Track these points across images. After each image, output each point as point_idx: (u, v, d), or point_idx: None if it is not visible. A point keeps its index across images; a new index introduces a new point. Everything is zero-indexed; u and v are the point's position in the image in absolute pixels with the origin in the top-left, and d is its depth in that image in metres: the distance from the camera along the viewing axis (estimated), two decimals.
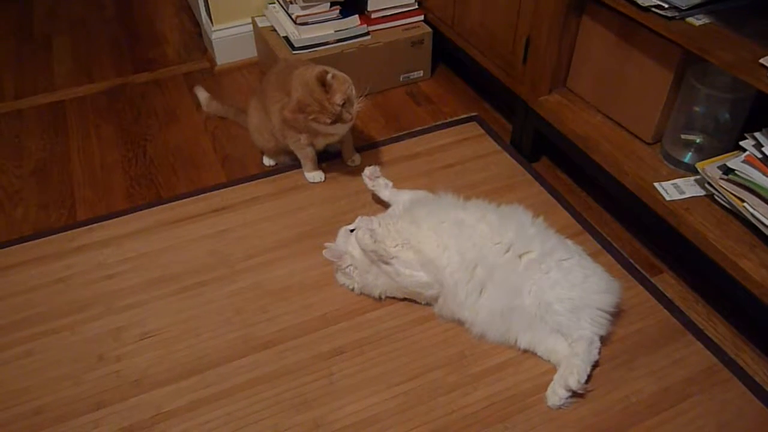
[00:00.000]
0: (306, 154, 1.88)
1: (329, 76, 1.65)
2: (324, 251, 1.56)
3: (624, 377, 1.39)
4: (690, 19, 1.44)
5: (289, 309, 1.56)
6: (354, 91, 1.71)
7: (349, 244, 1.55)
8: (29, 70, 2.54)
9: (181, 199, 1.88)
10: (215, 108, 2.18)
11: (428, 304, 1.54)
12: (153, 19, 2.87)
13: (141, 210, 1.84)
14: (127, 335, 1.51)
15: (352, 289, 1.58)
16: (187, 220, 1.81)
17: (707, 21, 1.44)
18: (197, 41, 2.68)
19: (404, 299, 1.56)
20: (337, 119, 1.70)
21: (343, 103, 1.67)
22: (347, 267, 1.55)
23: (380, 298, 1.56)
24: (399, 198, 1.72)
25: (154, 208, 1.85)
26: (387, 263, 1.49)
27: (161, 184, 1.96)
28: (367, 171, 1.78)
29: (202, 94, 2.18)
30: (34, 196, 1.94)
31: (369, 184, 1.78)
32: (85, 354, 1.47)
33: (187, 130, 2.18)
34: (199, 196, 1.89)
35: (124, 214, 1.83)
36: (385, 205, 1.78)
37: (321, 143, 1.88)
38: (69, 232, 1.78)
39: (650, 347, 1.45)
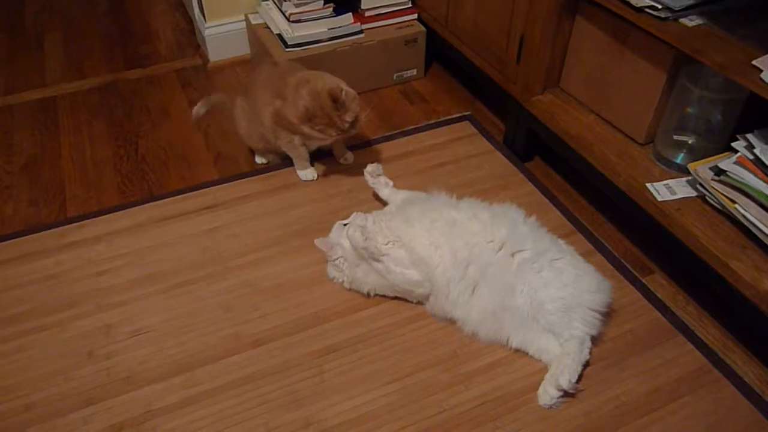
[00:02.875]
0: (299, 154, 1.87)
1: (343, 94, 1.65)
2: (315, 240, 1.57)
3: (615, 377, 1.40)
4: (683, 20, 1.45)
5: (280, 307, 1.55)
6: (359, 106, 1.71)
7: (341, 237, 1.55)
8: (21, 66, 2.52)
9: (173, 196, 1.87)
10: (215, 101, 2.03)
11: (420, 303, 1.54)
12: (146, 16, 2.86)
13: (132, 207, 1.83)
14: (118, 332, 1.50)
15: (342, 283, 1.57)
16: (179, 217, 1.80)
17: (700, 22, 1.44)
18: (190, 38, 2.67)
19: (395, 298, 1.56)
20: (342, 133, 1.70)
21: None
22: (337, 259, 1.55)
23: (369, 296, 1.56)
24: (396, 197, 1.72)
25: (146, 205, 1.84)
26: (378, 260, 1.49)
27: (153, 181, 1.95)
28: (370, 168, 1.77)
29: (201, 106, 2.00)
30: (24, 192, 1.92)
31: (370, 181, 1.78)
32: (75, 351, 1.46)
33: (180, 126, 2.18)
34: (191, 193, 1.88)
35: (115, 211, 1.82)
36: (383, 203, 1.78)
37: (314, 145, 1.88)
38: (59, 228, 1.77)
39: (641, 347, 1.46)
